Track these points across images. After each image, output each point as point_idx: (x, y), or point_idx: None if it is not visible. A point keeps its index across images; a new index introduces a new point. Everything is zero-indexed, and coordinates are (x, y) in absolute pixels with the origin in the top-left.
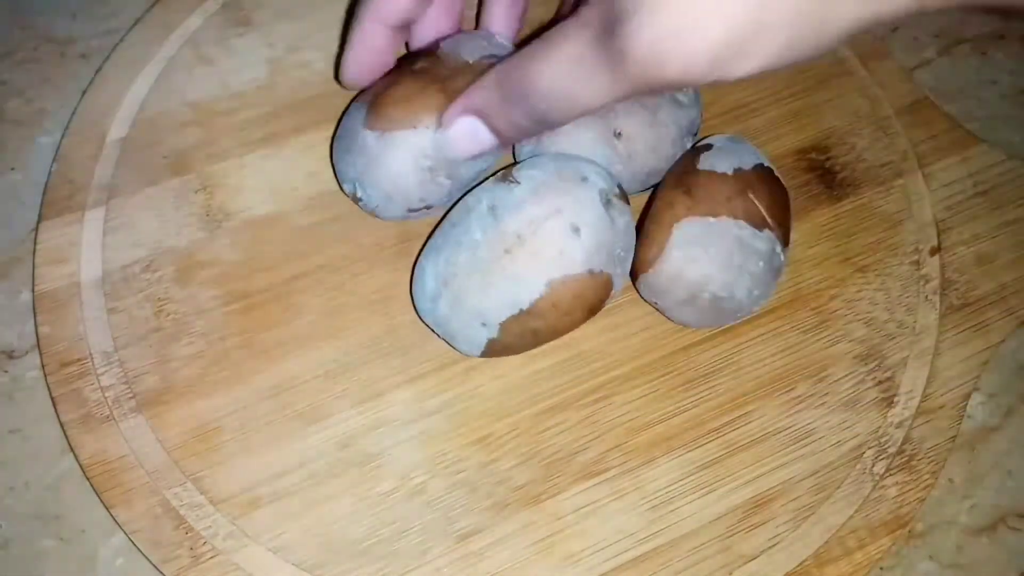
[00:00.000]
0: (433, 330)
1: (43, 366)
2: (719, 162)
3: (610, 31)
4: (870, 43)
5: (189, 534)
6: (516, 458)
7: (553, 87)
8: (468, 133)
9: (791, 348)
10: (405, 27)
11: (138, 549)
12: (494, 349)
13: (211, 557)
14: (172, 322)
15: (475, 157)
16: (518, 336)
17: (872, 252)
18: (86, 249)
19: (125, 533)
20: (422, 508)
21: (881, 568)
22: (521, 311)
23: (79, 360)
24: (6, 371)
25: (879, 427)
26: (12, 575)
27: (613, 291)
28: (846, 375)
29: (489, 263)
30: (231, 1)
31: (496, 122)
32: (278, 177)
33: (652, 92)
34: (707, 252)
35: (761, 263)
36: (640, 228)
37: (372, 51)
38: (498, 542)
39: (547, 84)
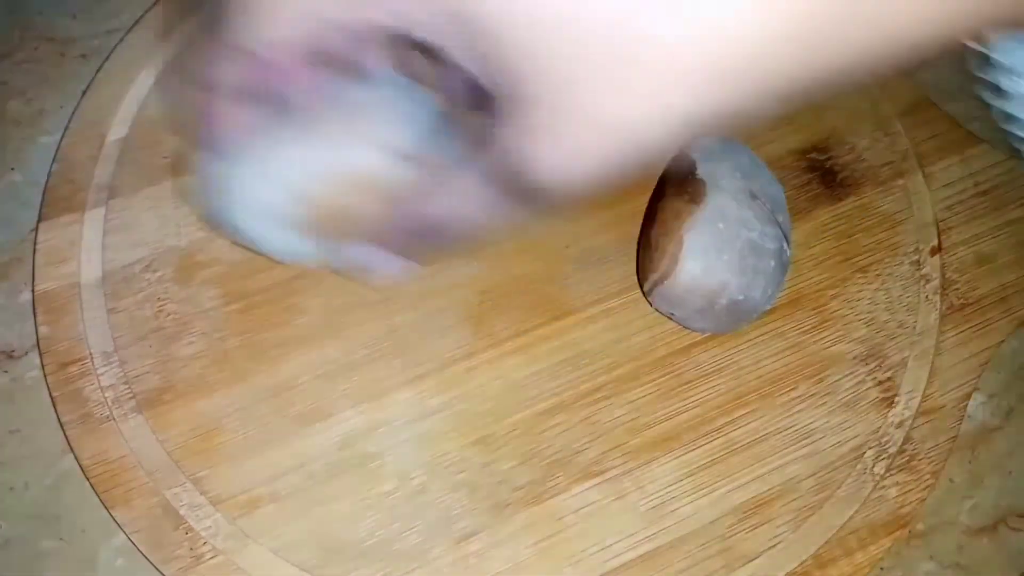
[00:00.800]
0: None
1: (43, 366)
2: (718, 166)
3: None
4: None
5: (189, 534)
6: (516, 458)
7: (450, 217)
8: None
9: (791, 348)
10: None
11: (138, 549)
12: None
13: (211, 557)
14: (172, 322)
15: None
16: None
17: (872, 252)
18: (86, 249)
19: (125, 533)
20: (422, 508)
21: (881, 568)
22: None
23: (79, 360)
24: (6, 371)
25: (879, 427)
26: (12, 575)
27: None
28: (846, 375)
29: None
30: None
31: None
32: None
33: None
34: (721, 259)
35: (772, 262)
36: (646, 239)
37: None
38: (498, 542)
39: (444, 215)
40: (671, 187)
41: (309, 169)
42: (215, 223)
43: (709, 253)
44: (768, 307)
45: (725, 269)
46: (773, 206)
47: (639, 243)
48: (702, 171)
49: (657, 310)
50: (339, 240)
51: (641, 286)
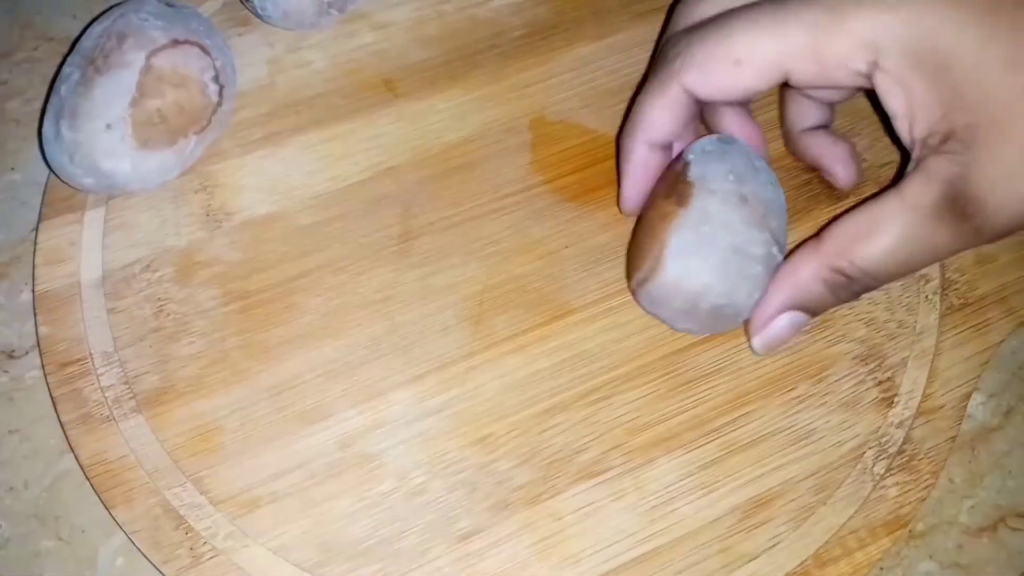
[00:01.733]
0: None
1: (43, 366)
2: (711, 168)
3: (959, 208)
4: None
5: (189, 534)
6: (516, 458)
7: (887, 263)
8: (791, 326)
9: (791, 348)
10: (670, 146)
11: (138, 549)
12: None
13: (211, 557)
14: (172, 322)
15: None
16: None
17: None
18: (86, 249)
19: (125, 533)
20: (422, 508)
21: (881, 568)
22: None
23: (79, 360)
24: (6, 371)
25: (879, 427)
26: (12, 575)
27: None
28: (846, 375)
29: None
30: (231, 0)
31: (816, 307)
32: (278, 177)
33: (992, 241)
34: (704, 262)
35: (759, 267)
36: (633, 238)
37: (647, 172)
38: (498, 542)
39: (879, 262)
40: (662, 188)
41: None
42: None
43: (691, 256)
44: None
45: (707, 273)
46: (766, 210)
47: (629, 243)
48: (693, 173)
49: (644, 309)
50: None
51: (629, 285)
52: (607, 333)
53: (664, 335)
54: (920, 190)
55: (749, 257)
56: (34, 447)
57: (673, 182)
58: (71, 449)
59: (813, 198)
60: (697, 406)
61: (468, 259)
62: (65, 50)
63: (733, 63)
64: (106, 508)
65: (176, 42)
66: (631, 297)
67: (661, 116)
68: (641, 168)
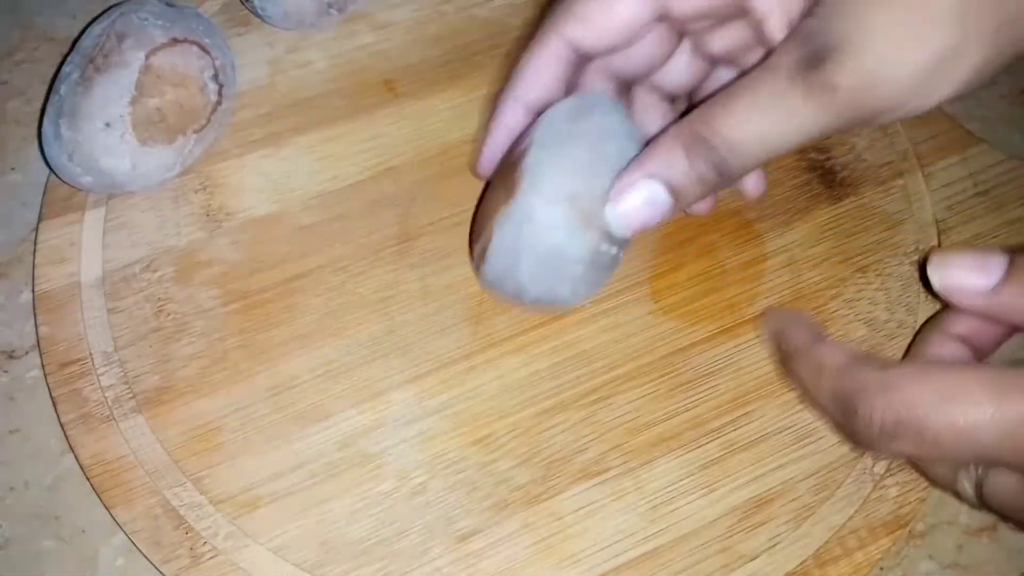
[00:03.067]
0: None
1: (43, 366)
2: (549, 157)
3: (814, 66)
4: None
5: (189, 534)
6: (516, 458)
7: (745, 131)
8: (647, 200)
9: None
10: (542, 110)
11: (138, 549)
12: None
13: (211, 557)
14: (172, 322)
15: (643, 230)
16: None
17: (872, 252)
18: (86, 249)
19: (125, 533)
20: (422, 508)
21: (881, 568)
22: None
23: (79, 360)
24: (6, 371)
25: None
26: (12, 575)
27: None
28: None
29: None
30: (231, 1)
31: (677, 180)
32: (278, 177)
33: (854, 124)
34: (519, 265)
35: (579, 267)
36: (474, 215)
37: (511, 134)
38: (498, 542)
39: (738, 129)
40: (501, 170)
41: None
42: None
43: (508, 257)
44: (586, 302)
45: (523, 275)
46: (596, 209)
47: (475, 208)
48: (528, 162)
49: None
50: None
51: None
52: (607, 333)
53: (664, 335)
54: (780, 54)
55: (569, 259)
56: (34, 447)
57: (512, 165)
58: (71, 449)
59: (813, 198)
60: (697, 406)
61: (468, 259)
62: (65, 50)
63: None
64: (106, 508)
65: (176, 41)
66: (631, 297)
67: (538, 74)
68: (506, 132)
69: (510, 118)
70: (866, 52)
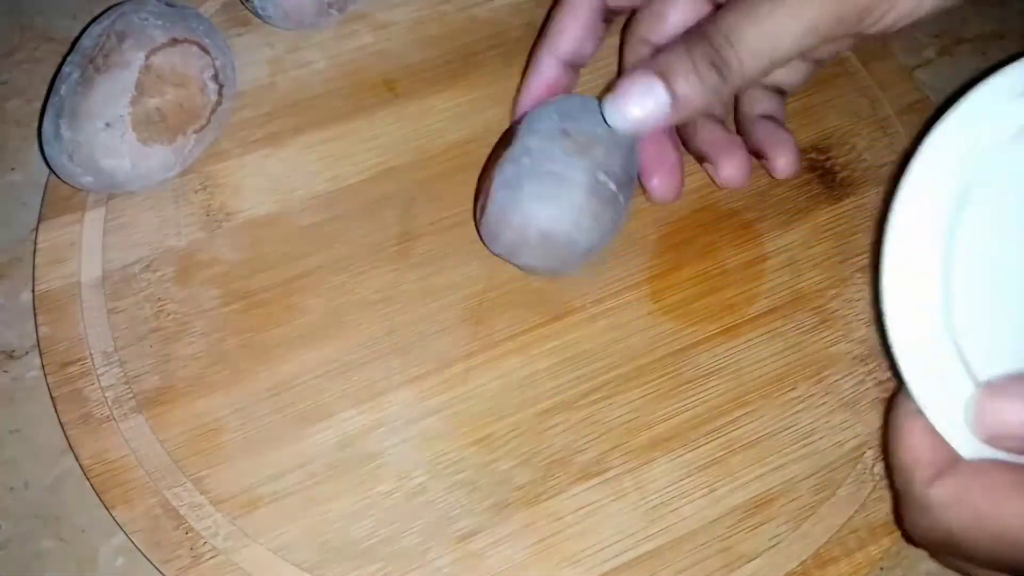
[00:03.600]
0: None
1: (43, 366)
2: (537, 114)
3: None
4: (871, 43)
5: (189, 534)
6: (516, 458)
7: (748, 31)
8: (642, 89)
9: (791, 348)
10: (577, 66)
11: (138, 549)
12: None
13: (211, 557)
14: (172, 322)
15: (639, 127)
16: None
17: (872, 252)
18: (86, 249)
19: (125, 533)
20: (422, 508)
21: (881, 568)
22: (133, 96)
23: (79, 360)
24: (6, 371)
25: (879, 427)
26: (12, 575)
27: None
28: (846, 375)
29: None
30: (231, 1)
31: (677, 78)
32: (278, 177)
33: (840, 32)
34: (521, 191)
35: (580, 193)
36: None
37: (546, 84)
38: (498, 542)
39: (740, 28)
40: (500, 141)
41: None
42: None
43: (511, 187)
44: (594, 246)
45: (527, 200)
46: (590, 141)
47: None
48: (524, 121)
49: (491, 251)
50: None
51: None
52: (607, 333)
53: (664, 335)
54: None
55: (570, 183)
56: (34, 447)
57: (509, 133)
58: (71, 449)
59: (813, 198)
60: (697, 406)
61: (468, 259)
62: (65, 50)
63: None
64: (106, 508)
65: (176, 41)
66: (631, 297)
67: (568, 25)
68: (544, 85)
69: (546, 68)
70: None
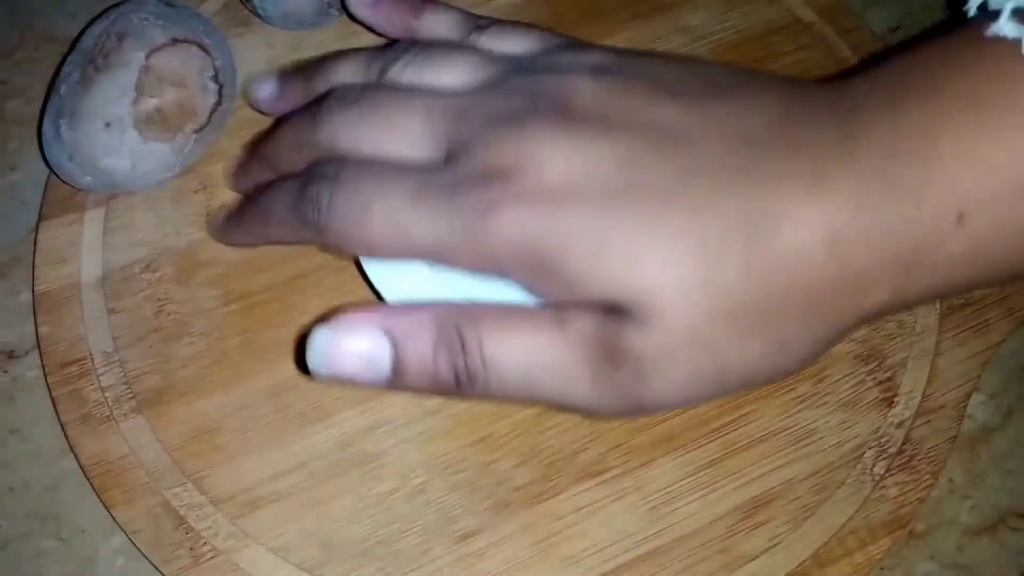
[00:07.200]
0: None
1: (43, 366)
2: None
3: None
4: (871, 44)
5: (189, 534)
6: (516, 458)
7: (514, 364)
8: (365, 353)
9: None
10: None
11: (138, 549)
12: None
13: (211, 557)
14: (172, 322)
15: (344, 381)
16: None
17: None
18: (86, 249)
19: (125, 533)
20: (422, 508)
21: (881, 568)
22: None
23: (79, 360)
24: (6, 371)
25: (879, 427)
26: (12, 575)
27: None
28: (846, 375)
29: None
30: (231, 1)
31: (411, 360)
32: None
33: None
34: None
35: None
36: None
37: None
38: (498, 542)
39: (509, 358)
40: None
41: None
42: None
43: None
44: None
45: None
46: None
47: None
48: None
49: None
50: None
51: None
52: None
53: None
54: (578, 315)
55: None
56: (34, 447)
57: None
58: (71, 449)
59: None
60: (697, 406)
61: None
62: (65, 50)
63: None
64: (106, 508)
65: (176, 41)
66: None
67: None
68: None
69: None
70: (657, 332)
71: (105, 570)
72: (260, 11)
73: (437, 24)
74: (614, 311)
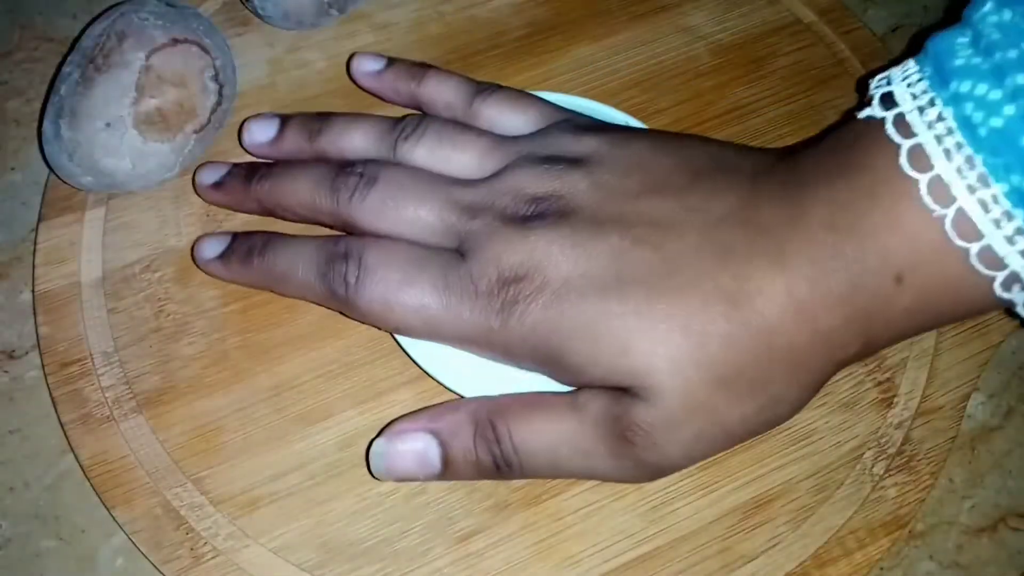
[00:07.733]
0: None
1: (43, 366)
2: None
3: (619, 438)
4: (871, 44)
5: (190, 534)
6: None
7: (541, 449)
8: (418, 453)
9: None
10: None
11: (138, 549)
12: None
13: (212, 557)
14: (172, 322)
15: (402, 480)
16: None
17: None
18: (86, 249)
19: (125, 533)
20: (422, 508)
21: (881, 568)
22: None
23: (79, 360)
24: (6, 371)
25: (879, 428)
26: (12, 575)
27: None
28: (846, 376)
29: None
30: (231, 1)
31: (456, 454)
32: None
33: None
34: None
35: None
36: None
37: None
38: (498, 542)
39: (536, 444)
40: None
41: None
42: None
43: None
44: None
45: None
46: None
47: None
48: None
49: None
50: None
51: None
52: None
53: None
54: (592, 397)
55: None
56: (34, 447)
57: None
58: (71, 449)
59: None
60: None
61: None
62: (65, 50)
63: None
64: (106, 508)
65: (176, 41)
66: None
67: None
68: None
69: None
70: (667, 412)
71: (105, 570)
72: (260, 11)
73: (439, 91)
74: (621, 391)
